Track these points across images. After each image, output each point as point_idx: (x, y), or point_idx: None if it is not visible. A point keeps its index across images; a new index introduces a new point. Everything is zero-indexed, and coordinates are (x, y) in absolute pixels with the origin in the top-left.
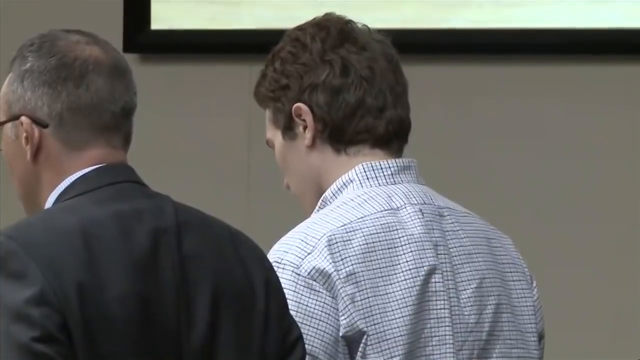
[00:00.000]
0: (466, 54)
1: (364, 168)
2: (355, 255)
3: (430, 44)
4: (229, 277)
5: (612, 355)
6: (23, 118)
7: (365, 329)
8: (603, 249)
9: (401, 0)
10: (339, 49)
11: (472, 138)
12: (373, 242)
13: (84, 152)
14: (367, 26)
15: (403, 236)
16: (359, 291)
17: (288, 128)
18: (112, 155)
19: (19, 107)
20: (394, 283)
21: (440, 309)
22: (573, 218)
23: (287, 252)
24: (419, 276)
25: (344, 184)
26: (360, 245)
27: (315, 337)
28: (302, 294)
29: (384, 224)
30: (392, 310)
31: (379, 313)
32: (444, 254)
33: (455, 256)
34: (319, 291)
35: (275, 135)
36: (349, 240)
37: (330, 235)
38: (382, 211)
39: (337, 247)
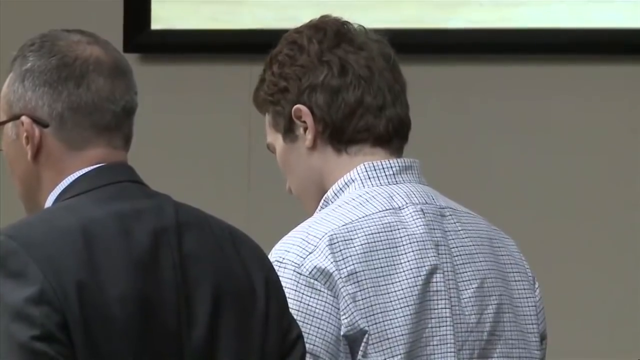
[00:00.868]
0: (466, 54)
1: (365, 168)
2: (357, 254)
3: (430, 44)
4: (229, 277)
5: (612, 355)
6: (24, 118)
7: (366, 328)
8: (603, 248)
9: (401, 0)
10: (336, 49)
11: (472, 138)
12: (374, 242)
13: (85, 151)
14: (363, 27)
15: (404, 236)
16: (360, 290)
17: (288, 130)
18: (113, 155)
19: (20, 107)
20: (395, 282)
21: (441, 308)
22: (573, 217)
23: (288, 251)
24: (420, 276)
25: (346, 183)
26: (361, 244)
27: (316, 337)
28: (303, 293)
29: (385, 223)
30: (394, 309)
31: (380, 312)
32: (445, 253)
33: (457, 256)
34: (320, 290)
35: (275, 139)
36: (351, 239)
37: (332, 235)
38: (383, 211)
39: (339, 246)
